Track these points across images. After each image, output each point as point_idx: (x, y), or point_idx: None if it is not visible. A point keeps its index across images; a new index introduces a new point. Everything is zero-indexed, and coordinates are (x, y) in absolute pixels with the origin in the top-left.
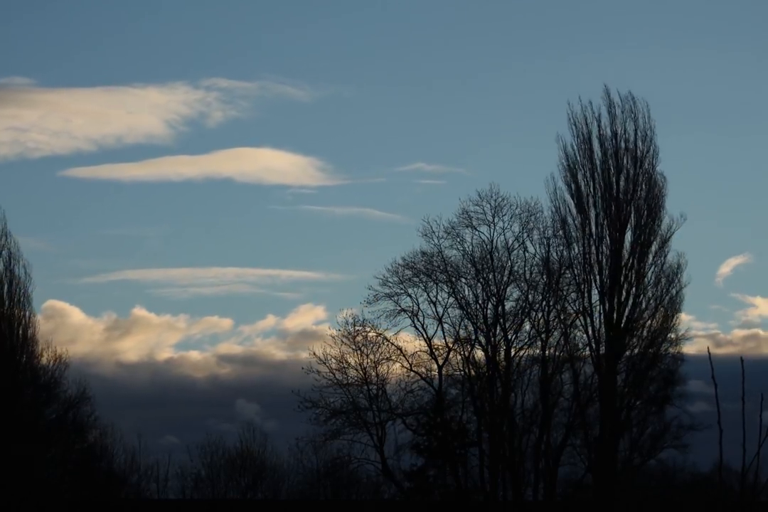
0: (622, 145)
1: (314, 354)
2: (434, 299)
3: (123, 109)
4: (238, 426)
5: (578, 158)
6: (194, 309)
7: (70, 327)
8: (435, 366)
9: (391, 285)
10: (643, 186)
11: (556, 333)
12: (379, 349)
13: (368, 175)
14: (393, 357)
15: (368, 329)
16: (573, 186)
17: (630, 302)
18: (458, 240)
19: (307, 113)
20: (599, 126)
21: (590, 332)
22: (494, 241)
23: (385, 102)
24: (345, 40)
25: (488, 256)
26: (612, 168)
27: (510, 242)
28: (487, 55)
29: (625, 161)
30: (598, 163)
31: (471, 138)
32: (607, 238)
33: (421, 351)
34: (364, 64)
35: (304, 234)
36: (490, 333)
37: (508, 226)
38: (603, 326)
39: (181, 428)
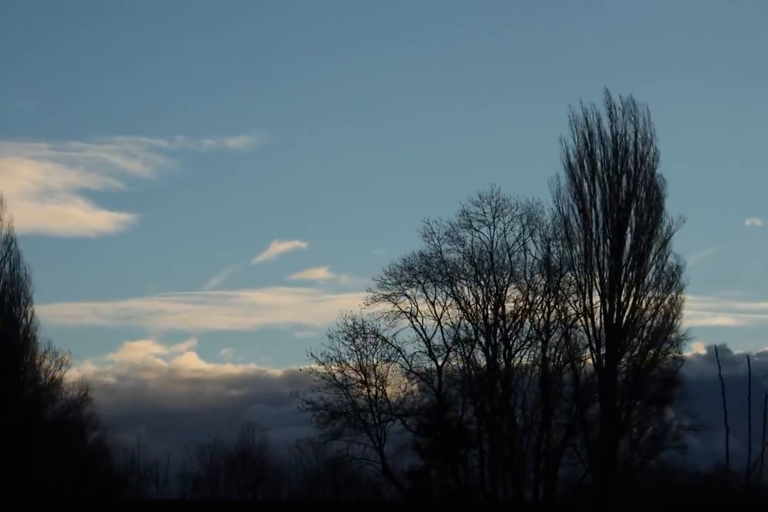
0: (623, 147)
1: (312, 354)
2: (433, 300)
3: None
4: None
5: (580, 160)
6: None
7: None
8: (434, 367)
9: (389, 286)
10: (644, 188)
11: (556, 333)
12: (379, 350)
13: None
14: (392, 358)
15: (367, 330)
16: (575, 187)
17: (630, 303)
18: (459, 242)
19: (127, 174)
20: (600, 129)
21: (591, 332)
22: (494, 242)
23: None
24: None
25: (488, 257)
26: (613, 170)
27: (510, 243)
28: (487, 59)
29: (626, 163)
30: (599, 165)
31: (471, 145)
32: (608, 239)
33: (420, 351)
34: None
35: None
36: (490, 334)
37: (509, 227)
38: (603, 327)
39: None
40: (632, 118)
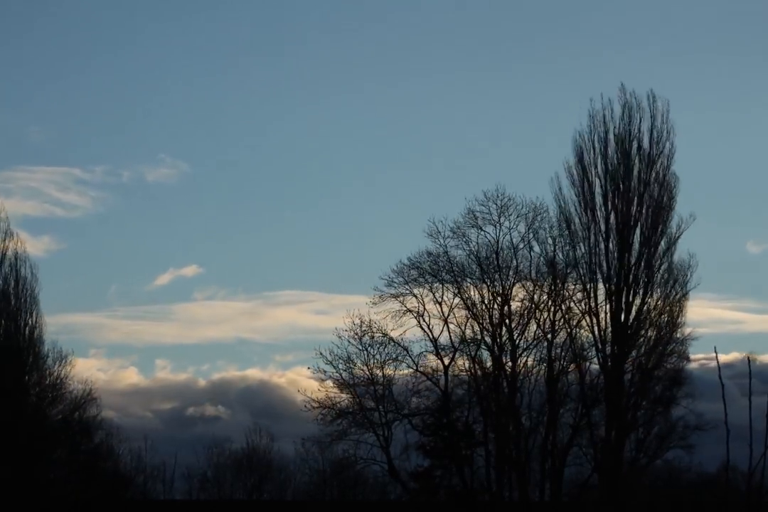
0: (636, 143)
1: (321, 354)
2: (440, 299)
3: None
4: None
5: (592, 156)
6: None
7: None
8: (441, 367)
9: (396, 285)
10: (655, 185)
11: (562, 333)
12: (385, 350)
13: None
14: (399, 358)
15: (374, 329)
16: (585, 183)
17: (637, 302)
18: (464, 240)
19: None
20: (614, 124)
21: (596, 332)
22: (500, 240)
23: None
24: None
25: (494, 256)
26: (625, 167)
27: (516, 242)
28: (495, 55)
29: (638, 160)
30: (610, 161)
31: (479, 139)
32: (616, 237)
33: (426, 351)
34: None
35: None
36: (496, 334)
37: (514, 226)
38: (609, 326)
39: None
40: (649, 114)
